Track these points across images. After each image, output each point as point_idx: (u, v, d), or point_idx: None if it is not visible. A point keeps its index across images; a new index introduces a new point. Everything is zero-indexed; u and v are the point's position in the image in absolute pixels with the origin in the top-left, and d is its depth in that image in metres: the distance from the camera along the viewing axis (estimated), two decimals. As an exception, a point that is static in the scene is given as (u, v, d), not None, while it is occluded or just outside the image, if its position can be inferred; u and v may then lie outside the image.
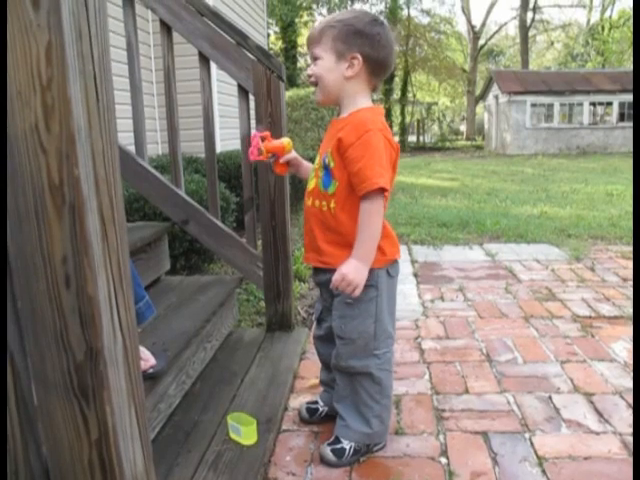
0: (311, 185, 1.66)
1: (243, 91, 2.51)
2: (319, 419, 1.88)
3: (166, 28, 2.52)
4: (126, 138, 2.82)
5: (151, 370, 1.67)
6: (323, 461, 1.67)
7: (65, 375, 0.85)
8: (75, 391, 0.86)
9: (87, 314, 0.83)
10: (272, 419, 1.86)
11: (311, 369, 2.28)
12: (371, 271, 1.56)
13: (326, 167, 1.59)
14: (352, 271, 1.49)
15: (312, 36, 1.59)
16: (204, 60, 2.52)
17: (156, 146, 5.64)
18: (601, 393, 2.07)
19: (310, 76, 1.61)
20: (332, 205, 1.58)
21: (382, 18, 1.61)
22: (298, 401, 2.03)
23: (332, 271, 1.55)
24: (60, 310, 0.83)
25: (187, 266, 3.43)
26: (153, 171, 2.62)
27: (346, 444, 1.67)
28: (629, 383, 2.14)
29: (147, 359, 1.68)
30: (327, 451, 1.67)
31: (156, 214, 3.11)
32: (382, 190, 1.49)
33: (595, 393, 2.07)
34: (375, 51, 1.54)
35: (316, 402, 1.91)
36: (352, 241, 1.54)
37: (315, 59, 1.58)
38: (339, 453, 1.66)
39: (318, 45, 1.57)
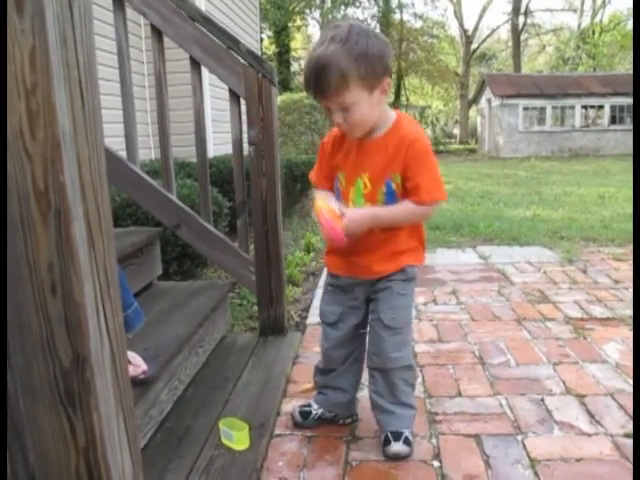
0: None
1: (234, 95, 2.51)
2: (312, 422, 1.88)
3: (157, 33, 2.52)
4: (118, 143, 2.81)
5: (142, 376, 1.66)
6: (400, 457, 1.68)
7: (52, 382, 0.85)
8: (62, 398, 0.85)
9: (73, 321, 0.82)
10: (265, 424, 1.86)
11: (304, 373, 2.27)
12: (412, 267, 1.75)
13: (392, 191, 1.61)
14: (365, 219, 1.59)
15: (330, 87, 1.44)
16: (195, 65, 2.52)
17: (149, 151, 5.63)
18: (593, 395, 2.07)
19: (340, 125, 1.54)
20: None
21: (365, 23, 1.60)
22: (291, 405, 2.02)
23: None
24: (46, 317, 0.82)
25: (180, 271, 3.42)
26: (144, 176, 2.62)
27: (407, 432, 1.72)
28: (621, 384, 2.14)
29: (138, 365, 1.67)
30: (399, 447, 1.69)
31: (148, 219, 3.10)
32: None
33: (587, 395, 2.07)
34: (391, 60, 1.56)
35: (309, 405, 1.91)
36: (402, 247, 1.70)
37: (345, 108, 1.49)
38: (408, 441, 1.71)
39: (346, 93, 1.45)
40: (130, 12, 2.61)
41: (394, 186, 1.60)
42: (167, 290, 2.63)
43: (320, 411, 1.88)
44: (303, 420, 1.88)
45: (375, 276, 1.71)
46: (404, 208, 1.59)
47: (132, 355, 1.68)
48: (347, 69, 1.42)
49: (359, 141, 1.61)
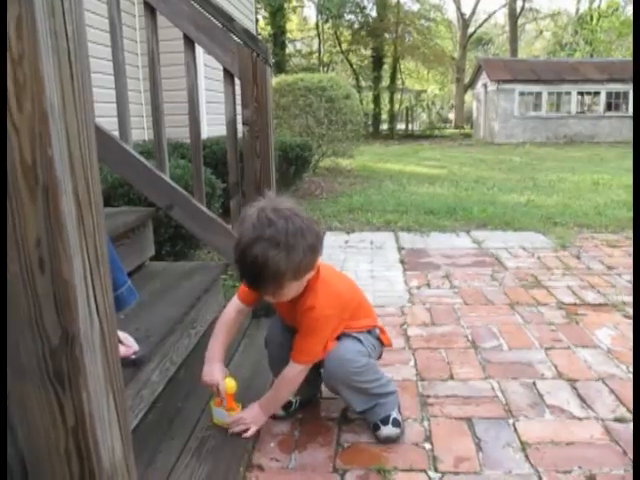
0: None
1: (228, 75, 2.47)
2: (295, 412, 1.87)
3: (150, 9, 2.47)
4: (110, 123, 2.77)
5: (134, 356, 1.65)
6: (391, 440, 1.69)
7: (40, 361, 0.83)
8: (50, 377, 0.84)
9: (62, 298, 0.81)
10: (257, 405, 1.85)
11: (296, 356, 2.27)
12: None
13: None
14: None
15: (265, 289, 1.53)
16: (189, 43, 2.47)
17: (142, 132, 5.58)
18: (584, 379, 2.08)
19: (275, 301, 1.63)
20: None
21: (271, 213, 1.46)
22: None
23: None
24: (34, 294, 0.80)
25: (172, 252, 3.40)
26: (137, 155, 2.58)
27: (394, 413, 1.73)
28: (612, 369, 2.15)
29: (130, 345, 1.66)
30: (389, 430, 1.70)
31: (141, 200, 3.06)
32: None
33: (578, 379, 2.08)
34: (321, 242, 1.56)
35: None
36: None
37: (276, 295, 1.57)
38: (396, 422, 1.71)
39: (278, 291, 1.53)
40: (123, -12, 2.56)
41: None
42: (159, 271, 2.61)
43: (299, 398, 1.86)
44: (286, 412, 1.85)
45: None
46: (282, 381, 1.70)
47: (124, 335, 1.67)
48: (283, 276, 1.46)
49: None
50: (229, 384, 1.69)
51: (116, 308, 1.67)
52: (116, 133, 2.64)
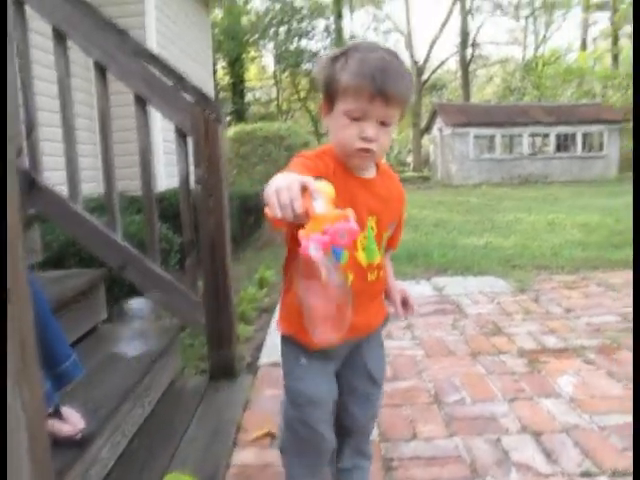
0: (375, 259, 1.39)
1: (181, 133, 2.45)
2: None
3: (100, 69, 2.44)
4: (63, 177, 2.70)
5: (80, 435, 1.55)
6: None
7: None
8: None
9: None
10: (214, 477, 1.77)
11: (255, 420, 2.18)
12: None
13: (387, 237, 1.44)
14: None
15: (400, 92, 1.24)
16: (140, 102, 2.45)
17: (98, 185, 5.47)
18: (549, 432, 2.05)
19: (370, 141, 1.24)
20: (382, 272, 1.45)
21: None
22: (242, 456, 1.93)
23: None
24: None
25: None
26: (87, 215, 2.51)
27: None
28: (575, 419, 2.13)
29: (75, 423, 1.56)
30: None
31: (93, 259, 2.97)
32: None
33: (543, 432, 2.05)
34: None
35: None
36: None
37: (384, 124, 1.25)
38: None
39: (402, 107, 1.27)
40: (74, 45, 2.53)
41: (390, 232, 1.45)
42: (112, 334, 2.51)
43: None
44: None
45: (371, 332, 1.51)
46: (390, 266, 1.59)
47: (69, 412, 1.58)
48: (412, 84, 1.34)
49: (359, 180, 1.34)
50: (324, 186, 1.07)
51: (60, 384, 1.59)
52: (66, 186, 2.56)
